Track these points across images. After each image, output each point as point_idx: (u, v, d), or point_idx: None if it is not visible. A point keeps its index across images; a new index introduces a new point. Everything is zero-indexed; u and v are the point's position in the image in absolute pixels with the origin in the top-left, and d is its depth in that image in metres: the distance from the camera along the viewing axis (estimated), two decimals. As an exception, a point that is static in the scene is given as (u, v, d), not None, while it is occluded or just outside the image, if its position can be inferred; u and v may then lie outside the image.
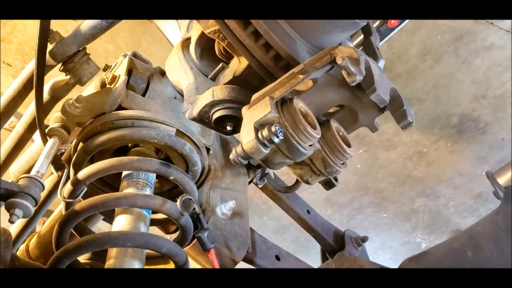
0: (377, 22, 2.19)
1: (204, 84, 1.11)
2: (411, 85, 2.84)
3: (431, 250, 1.49)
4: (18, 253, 1.49)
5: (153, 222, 1.15)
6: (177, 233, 1.05)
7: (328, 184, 1.04)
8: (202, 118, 1.02)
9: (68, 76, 1.16)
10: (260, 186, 1.47)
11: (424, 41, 2.59)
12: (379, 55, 1.11)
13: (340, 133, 0.98)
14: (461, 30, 2.52)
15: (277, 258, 1.30)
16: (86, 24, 1.10)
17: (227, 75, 1.03)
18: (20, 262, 1.04)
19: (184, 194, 0.99)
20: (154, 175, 1.08)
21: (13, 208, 0.88)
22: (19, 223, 1.47)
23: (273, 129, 0.76)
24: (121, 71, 1.18)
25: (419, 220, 3.90)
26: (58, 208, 1.47)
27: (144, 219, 0.97)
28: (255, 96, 0.86)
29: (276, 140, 0.76)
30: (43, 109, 1.04)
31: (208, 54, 1.14)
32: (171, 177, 1.01)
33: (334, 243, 1.69)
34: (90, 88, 1.25)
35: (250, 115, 0.82)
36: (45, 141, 1.05)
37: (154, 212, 1.03)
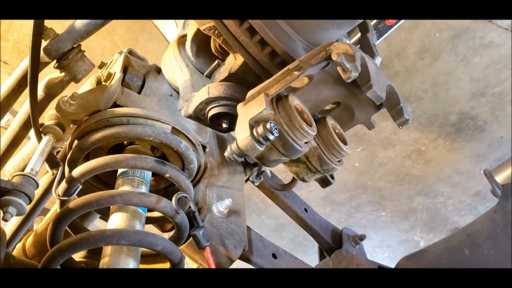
0: (375, 20, 2.19)
1: (200, 81, 1.11)
2: (409, 83, 2.83)
3: (428, 248, 1.49)
4: (14, 251, 1.49)
5: (149, 220, 1.14)
6: (173, 231, 1.05)
7: (325, 182, 1.03)
8: (198, 116, 1.02)
9: (63, 73, 1.15)
10: (256, 184, 1.47)
11: (422, 39, 2.59)
12: (375, 52, 1.11)
13: (337, 131, 0.98)
14: (460, 28, 2.51)
15: (274, 256, 1.30)
16: (81, 21, 1.10)
17: (223, 72, 1.03)
18: (15, 261, 1.03)
19: (179, 192, 0.98)
20: (150, 173, 1.07)
21: (7, 206, 0.87)
22: (15, 221, 1.46)
23: (268, 126, 0.76)
24: (116, 69, 1.18)
25: (417, 218, 3.90)
26: (54, 206, 1.47)
27: (139, 217, 0.97)
28: (250, 93, 0.85)
29: (271, 137, 0.76)
30: (37, 106, 1.04)
31: (204, 51, 1.13)
32: (167, 175, 1.01)
33: (332, 241, 1.68)
34: (86, 85, 1.24)
35: (245, 112, 0.81)
36: (39, 139, 1.04)
37: (149, 210, 1.02)
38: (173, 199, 0.95)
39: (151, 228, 1.15)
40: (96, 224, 1.57)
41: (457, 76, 2.78)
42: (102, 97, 1.07)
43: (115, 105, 1.06)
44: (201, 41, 1.11)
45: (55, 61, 1.13)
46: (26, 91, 1.04)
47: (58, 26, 1.14)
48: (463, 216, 3.82)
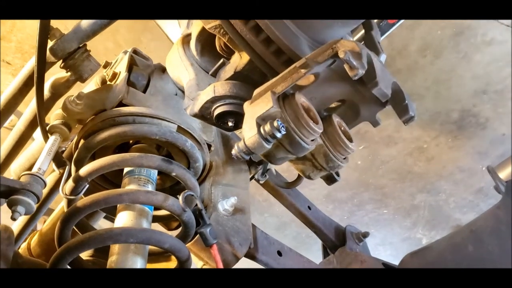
0: (377, 18, 2.18)
1: (205, 80, 1.11)
2: (411, 81, 2.83)
3: (432, 245, 1.49)
4: (20, 251, 1.49)
5: (155, 219, 1.14)
6: (179, 229, 1.05)
7: (330, 179, 1.03)
8: (204, 114, 1.02)
9: (69, 73, 1.16)
10: (261, 182, 1.47)
11: (424, 37, 2.59)
12: (380, 50, 1.11)
13: (342, 128, 0.98)
14: (462, 26, 2.51)
15: (279, 253, 1.30)
16: (87, 21, 1.10)
17: (228, 70, 1.03)
18: (23, 259, 1.04)
19: (186, 190, 0.99)
20: (156, 171, 1.08)
21: (15, 205, 0.88)
22: (21, 220, 1.47)
23: (275, 124, 0.76)
24: (121, 68, 1.18)
25: (419, 216, 3.90)
26: (59, 206, 1.47)
27: (146, 215, 0.97)
28: (256, 91, 0.86)
29: (278, 135, 0.76)
30: (44, 106, 1.04)
31: (209, 50, 1.13)
32: (173, 174, 1.01)
33: (335, 238, 1.69)
34: (91, 85, 1.25)
35: (252, 110, 0.82)
36: (46, 138, 1.05)
37: (156, 208, 1.02)
38: (180, 197, 0.96)
39: (157, 227, 1.15)
40: (100, 224, 1.58)
41: (459, 73, 2.78)
42: (108, 97, 1.08)
43: (121, 104, 1.07)
44: (205, 40, 1.11)
45: (61, 61, 1.14)
46: (32, 91, 1.04)
47: (61, 26, 1.15)
48: (465, 213, 3.82)
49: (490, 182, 1.45)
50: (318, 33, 0.96)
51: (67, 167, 1.06)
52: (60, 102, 1.10)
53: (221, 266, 0.98)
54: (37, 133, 1.27)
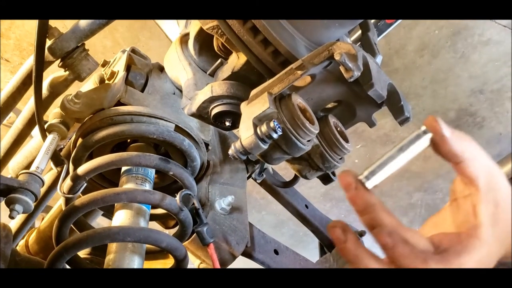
0: (375, 17, 2.19)
1: (203, 80, 1.12)
2: (408, 80, 2.85)
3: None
4: (17, 248, 1.50)
5: (153, 217, 1.15)
6: (177, 228, 1.06)
7: (326, 179, 1.04)
8: (201, 114, 1.03)
9: (67, 72, 1.16)
10: (258, 181, 1.48)
11: (421, 36, 2.60)
12: (376, 51, 1.12)
13: (338, 129, 0.99)
14: (459, 25, 2.52)
15: (276, 252, 1.31)
16: (85, 20, 1.10)
17: (226, 70, 1.04)
18: (21, 257, 1.05)
19: (183, 190, 1.00)
20: (153, 170, 1.09)
21: (13, 204, 0.88)
22: (19, 218, 1.48)
23: (271, 124, 0.77)
24: (120, 67, 1.18)
25: (416, 214, 3.92)
26: (57, 203, 1.48)
27: (143, 214, 0.98)
28: (253, 92, 0.86)
29: (274, 135, 0.77)
30: (42, 105, 1.04)
31: (207, 50, 1.14)
32: (170, 173, 1.02)
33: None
34: (89, 84, 1.25)
35: (249, 110, 0.82)
36: (44, 137, 1.05)
37: (153, 207, 1.03)
38: (178, 196, 0.96)
39: (154, 225, 1.16)
40: (98, 222, 1.59)
41: (456, 73, 2.79)
42: (106, 96, 1.08)
43: (119, 103, 1.07)
44: (203, 40, 1.12)
45: (59, 60, 1.14)
46: (31, 90, 1.05)
47: (60, 24, 1.15)
48: (462, 212, 3.84)
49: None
50: (315, 35, 0.97)
51: (65, 165, 1.07)
52: (58, 101, 1.11)
53: (217, 265, 0.99)
54: (35, 131, 1.28)
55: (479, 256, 0.54)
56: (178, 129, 1.07)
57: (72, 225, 0.97)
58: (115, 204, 0.98)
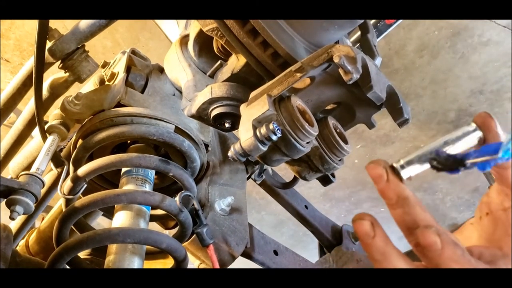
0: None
1: (203, 81, 1.12)
2: (408, 81, 2.85)
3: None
4: (18, 248, 1.50)
5: (153, 218, 1.16)
6: (176, 228, 1.06)
7: (326, 181, 1.05)
8: (201, 115, 1.03)
9: (67, 73, 1.16)
10: (258, 182, 1.49)
11: (421, 37, 2.60)
12: (376, 53, 1.12)
13: (337, 130, 0.99)
14: (459, 26, 2.53)
15: (275, 253, 1.32)
16: (85, 22, 1.11)
17: (225, 72, 1.04)
18: (21, 258, 1.05)
19: (183, 191, 1.00)
20: (153, 171, 1.09)
21: (14, 205, 0.89)
22: (19, 219, 1.48)
23: (271, 126, 0.77)
24: (120, 68, 1.19)
25: (416, 214, 3.91)
26: (57, 204, 1.48)
27: (143, 215, 0.99)
28: (253, 94, 0.87)
29: (274, 137, 0.77)
30: (42, 106, 1.05)
31: (207, 52, 1.14)
32: (170, 174, 1.02)
33: (331, 237, 1.70)
34: (89, 85, 1.25)
35: (248, 112, 0.82)
36: (44, 138, 1.06)
37: (153, 208, 1.04)
38: (177, 197, 0.97)
39: (154, 226, 1.17)
40: (98, 222, 1.59)
41: (456, 73, 2.79)
42: (106, 97, 1.09)
43: (119, 104, 1.08)
44: (203, 41, 1.12)
45: (59, 61, 1.15)
46: (31, 91, 1.05)
47: (60, 25, 1.16)
48: (461, 212, 3.85)
49: (486, 181, 1.47)
50: (314, 36, 0.97)
51: (65, 166, 1.07)
52: (58, 102, 1.11)
53: (217, 266, 0.99)
54: (36, 132, 1.28)
55: None
56: (178, 130, 1.07)
57: (72, 226, 0.97)
58: (115, 205, 0.99)
